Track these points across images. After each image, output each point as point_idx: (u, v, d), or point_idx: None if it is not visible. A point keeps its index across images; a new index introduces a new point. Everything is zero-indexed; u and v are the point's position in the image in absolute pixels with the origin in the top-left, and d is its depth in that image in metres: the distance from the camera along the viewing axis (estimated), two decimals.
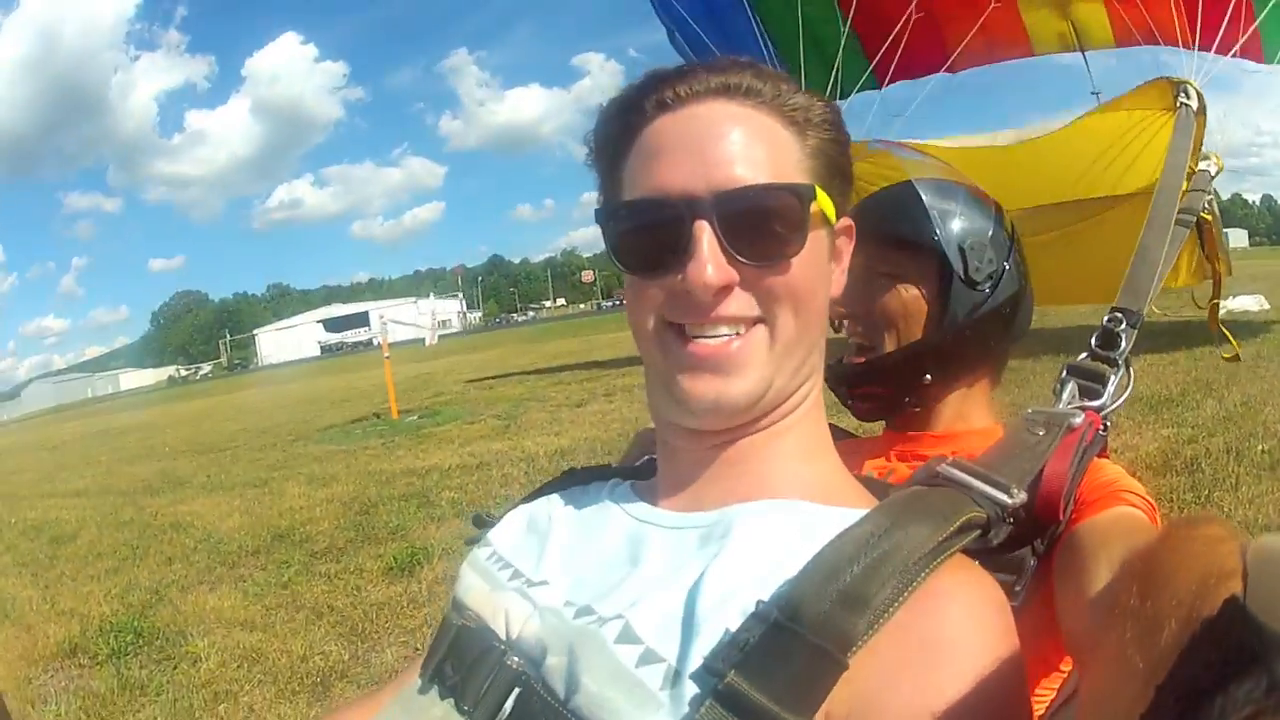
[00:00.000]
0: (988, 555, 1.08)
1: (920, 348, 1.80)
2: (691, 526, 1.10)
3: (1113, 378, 1.61)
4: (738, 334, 1.06)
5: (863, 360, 1.83)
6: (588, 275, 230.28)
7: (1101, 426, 1.46)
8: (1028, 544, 1.28)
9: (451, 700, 1.07)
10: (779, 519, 1.05)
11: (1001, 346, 1.88)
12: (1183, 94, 2.43)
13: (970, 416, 1.84)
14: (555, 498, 1.34)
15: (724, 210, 1.02)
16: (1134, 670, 0.58)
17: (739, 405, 1.07)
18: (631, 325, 1.15)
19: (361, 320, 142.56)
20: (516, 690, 1.01)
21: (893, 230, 1.83)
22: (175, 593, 6.90)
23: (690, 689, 0.88)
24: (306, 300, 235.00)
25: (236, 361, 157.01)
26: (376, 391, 21.79)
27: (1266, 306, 15.10)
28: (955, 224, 1.83)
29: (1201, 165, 2.29)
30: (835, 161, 1.12)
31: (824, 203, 1.08)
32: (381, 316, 21.50)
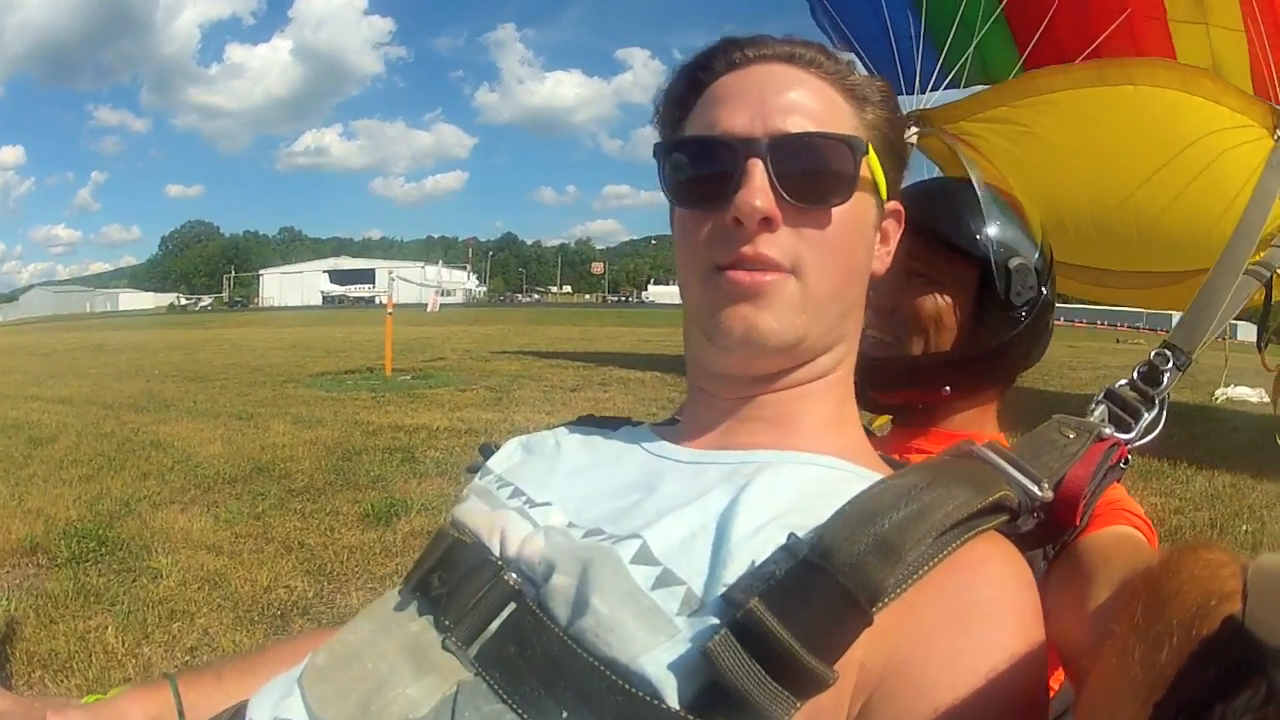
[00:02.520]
0: None
1: (945, 360, 1.77)
2: (714, 463, 1.10)
3: (1147, 415, 1.55)
4: (771, 273, 1.06)
5: (884, 357, 1.77)
6: (598, 267, 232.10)
7: (1125, 459, 1.40)
8: (1040, 546, 1.24)
9: (431, 616, 1.04)
10: (813, 470, 1.06)
11: (1020, 369, 1.88)
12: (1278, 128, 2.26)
13: (981, 427, 1.81)
14: (563, 429, 1.35)
15: (778, 151, 1.05)
16: (1134, 687, 0.59)
17: (768, 341, 1.07)
18: (679, 264, 1.16)
19: (367, 276, 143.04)
20: (510, 607, 0.98)
21: (941, 230, 1.78)
22: (146, 508, 6.80)
23: (708, 616, 0.86)
24: (316, 248, 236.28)
25: (237, 298, 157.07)
26: (372, 347, 21.80)
27: (1266, 399, 15.10)
28: (1005, 240, 1.79)
29: None
30: (890, 140, 1.16)
31: (875, 169, 1.11)
32: (391, 273, 21.49)
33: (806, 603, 0.82)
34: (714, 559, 0.91)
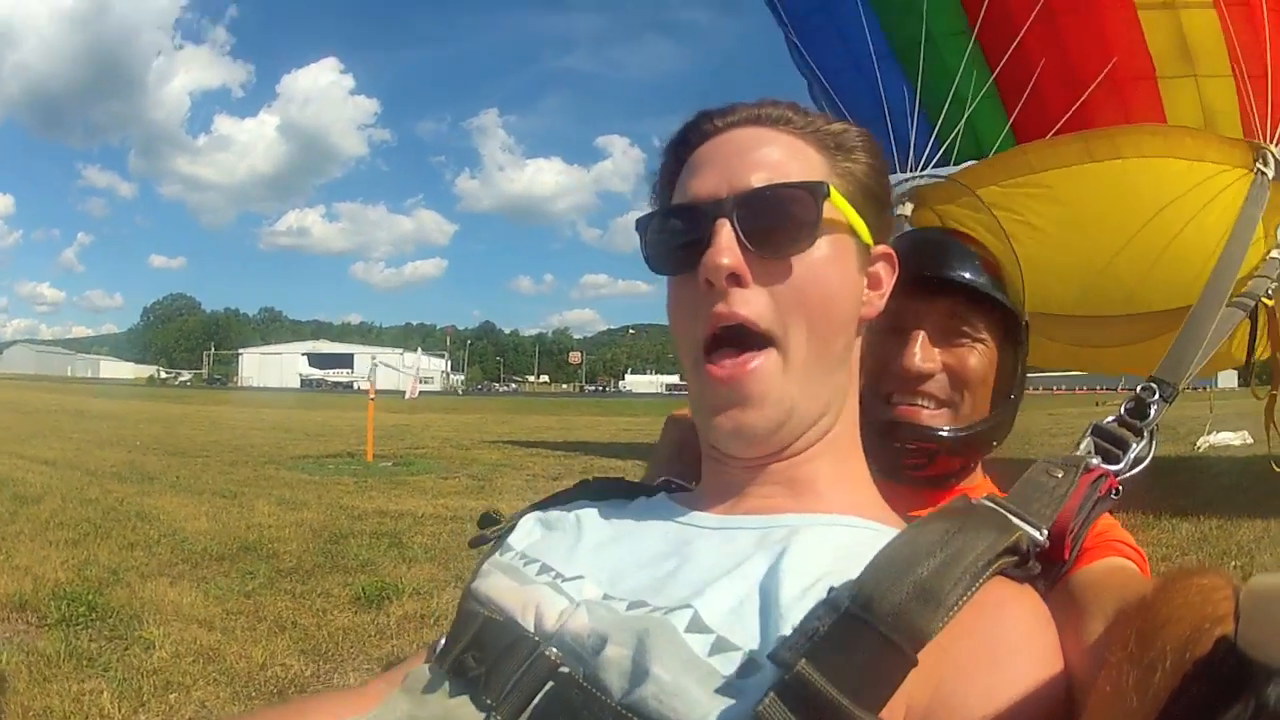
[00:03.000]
0: None
1: (992, 423, 1.76)
2: (742, 527, 1.11)
3: (1135, 445, 1.55)
4: (753, 353, 1.08)
5: (960, 427, 1.73)
6: (575, 356, 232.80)
7: (1115, 490, 1.45)
8: (1034, 583, 1.22)
9: (470, 694, 1.03)
10: (840, 531, 1.07)
11: None
12: (1261, 159, 2.35)
13: (979, 480, 1.82)
14: (578, 503, 1.34)
15: (742, 209, 1.08)
16: (1129, 710, 0.61)
17: (758, 434, 1.11)
18: (673, 334, 1.19)
19: (345, 361, 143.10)
20: (551, 683, 0.97)
21: (982, 286, 1.78)
22: (134, 578, 6.75)
23: (762, 678, 0.86)
24: (295, 330, 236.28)
25: (217, 376, 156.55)
26: (352, 432, 21.73)
27: (1250, 441, 15.15)
28: (1021, 295, 1.83)
29: (1275, 253, 2.22)
30: (868, 186, 1.17)
31: (846, 210, 1.12)
32: (373, 358, 21.47)
33: (851, 656, 0.82)
34: (763, 624, 0.92)
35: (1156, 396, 1.65)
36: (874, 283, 1.20)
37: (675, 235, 1.15)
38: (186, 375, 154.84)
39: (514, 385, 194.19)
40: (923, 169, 3.27)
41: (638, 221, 1.21)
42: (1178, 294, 2.62)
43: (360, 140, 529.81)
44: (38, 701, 4.20)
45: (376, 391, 19.07)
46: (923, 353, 1.71)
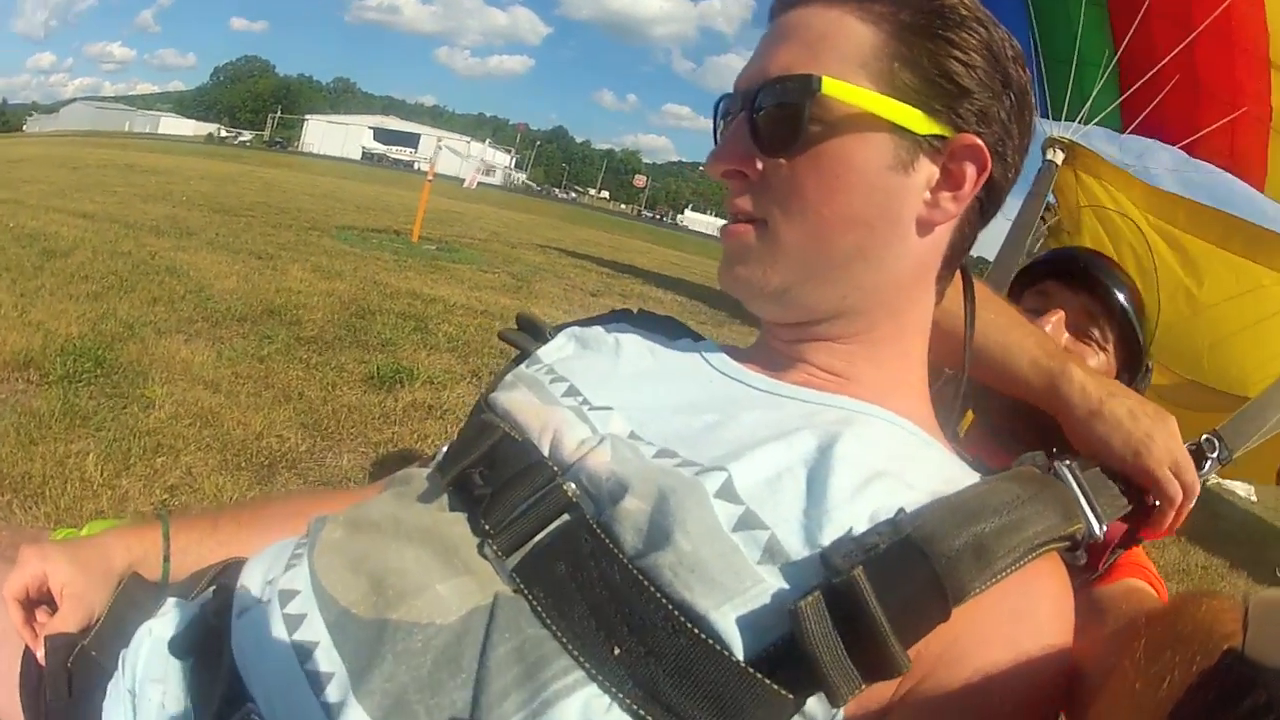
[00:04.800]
0: None
1: None
2: (792, 397, 1.08)
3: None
4: (743, 224, 1.09)
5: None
6: (640, 180, 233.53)
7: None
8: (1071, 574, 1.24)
9: (468, 513, 1.00)
10: (895, 430, 1.05)
11: None
12: None
13: None
14: (622, 325, 1.30)
15: (756, 104, 1.05)
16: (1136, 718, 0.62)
17: (742, 291, 1.12)
18: None
19: (411, 140, 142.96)
20: (564, 519, 0.94)
21: (1128, 308, 1.93)
22: (150, 334, 6.63)
23: (797, 573, 0.84)
24: (367, 103, 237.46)
25: (278, 139, 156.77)
26: (402, 210, 21.67)
27: (1254, 499, 15.33)
28: (1149, 337, 2.00)
29: None
30: (923, 66, 1.03)
31: (873, 104, 1.01)
32: (438, 140, 21.17)
33: (902, 585, 0.80)
34: (807, 511, 0.88)
35: (1215, 454, 1.56)
36: (952, 181, 1.06)
37: (726, 124, 1.15)
38: (247, 135, 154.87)
39: (574, 194, 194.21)
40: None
41: (715, 103, 1.18)
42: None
43: None
44: (18, 468, 4.04)
45: (436, 174, 18.72)
46: (1054, 329, 1.84)
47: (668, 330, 1.32)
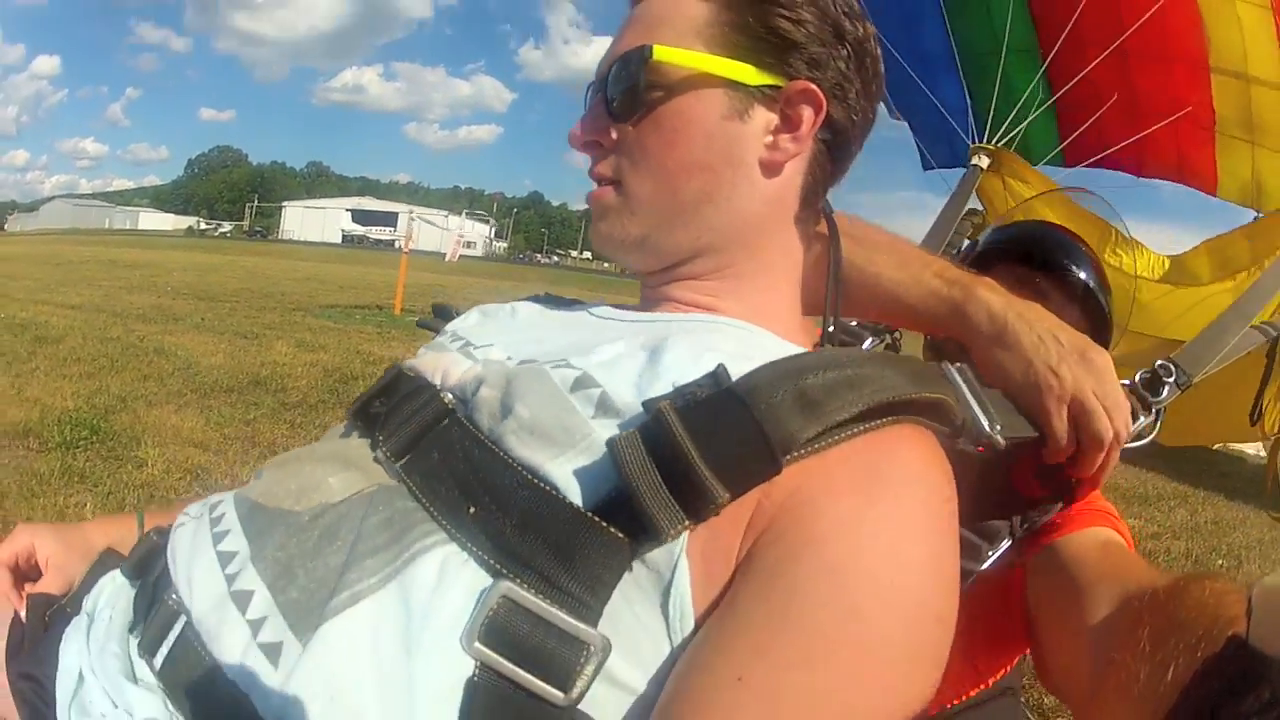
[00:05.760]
0: (966, 519, 1.03)
1: None
2: (657, 319, 1.15)
3: (1142, 418, 1.47)
4: (602, 188, 1.16)
5: None
6: None
7: None
8: (1008, 516, 1.25)
9: (369, 436, 1.07)
10: (754, 334, 1.10)
11: None
12: None
13: None
14: (523, 299, 1.38)
15: (604, 83, 1.15)
16: (1141, 711, 0.61)
17: (608, 246, 1.18)
18: None
19: (389, 219, 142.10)
20: (444, 423, 1.00)
21: (1094, 291, 1.91)
22: (141, 405, 6.92)
23: (627, 425, 0.87)
24: (341, 186, 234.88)
25: (258, 228, 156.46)
26: (385, 287, 21.74)
27: (1262, 455, 15.03)
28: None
29: None
30: (751, 26, 1.10)
31: (703, 64, 1.09)
32: (411, 213, 21.32)
33: (720, 430, 0.82)
34: (641, 374, 0.94)
35: (1173, 378, 1.55)
36: (790, 124, 1.12)
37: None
38: (227, 226, 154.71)
39: (556, 258, 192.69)
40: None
41: (586, 87, 1.26)
42: None
43: (425, 3, 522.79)
44: (21, 514, 4.31)
45: (416, 250, 18.86)
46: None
47: (570, 304, 1.38)
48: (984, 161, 2.97)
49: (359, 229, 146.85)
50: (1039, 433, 1.17)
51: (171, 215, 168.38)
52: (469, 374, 1.05)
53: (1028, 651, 1.45)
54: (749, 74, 1.09)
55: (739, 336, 1.07)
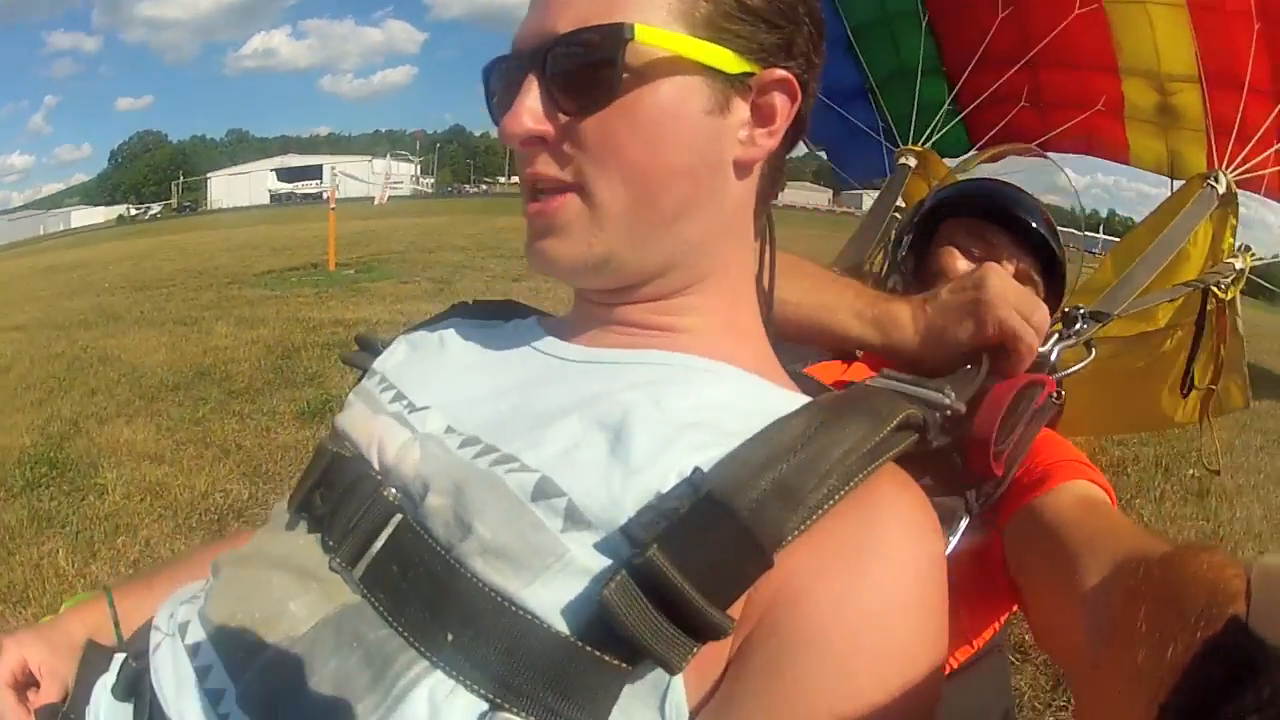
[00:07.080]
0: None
1: None
2: (601, 362, 1.04)
3: (1065, 342, 1.58)
4: (559, 196, 0.98)
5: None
6: None
7: (1055, 394, 1.43)
8: (959, 491, 1.22)
9: (319, 534, 0.99)
10: (711, 377, 1.00)
11: None
12: (1212, 179, 2.53)
13: None
14: (453, 321, 1.27)
15: (549, 60, 0.95)
16: (1139, 693, 0.58)
17: (564, 269, 1.01)
18: None
19: (315, 172, 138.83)
20: (394, 523, 0.93)
21: (1044, 236, 1.92)
22: (93, 425, 6.99)
23: (603, 541, 0.82)
24: (264, 148, 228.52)
25: (185, 204, 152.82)
26: (318, 242, 21.43)
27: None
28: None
29: (1234, 261, 2.39)
30: (750, 5, 0.98)
31: (683, 47, 0.94)
32: (333, 169, 21.12)
33: (707, 545, 0.77)
34: (607, 475, 0.85)
35: (1086, 320, 1.65)
36: (763, 117, 1.02)
37: (506, 89, 1.01)
38: (156, 208, 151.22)
39: (484, 186, 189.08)
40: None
41: (483, 70, 1.09)
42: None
43: None
44: (2, 579, 4.43)
45: (345, 199, 18.68)
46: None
47: (503, 314, 1.29)
48: (911, 161, 3.08)
49: (285, 187, 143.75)
50: (975, 365, 1.24)
51: (101, 208, 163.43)
52: (409, 463, 0.96)
53: (1015, 608, 1.47)
54: (729, 60, 0.97)
55: (708, 394, 0.96)
